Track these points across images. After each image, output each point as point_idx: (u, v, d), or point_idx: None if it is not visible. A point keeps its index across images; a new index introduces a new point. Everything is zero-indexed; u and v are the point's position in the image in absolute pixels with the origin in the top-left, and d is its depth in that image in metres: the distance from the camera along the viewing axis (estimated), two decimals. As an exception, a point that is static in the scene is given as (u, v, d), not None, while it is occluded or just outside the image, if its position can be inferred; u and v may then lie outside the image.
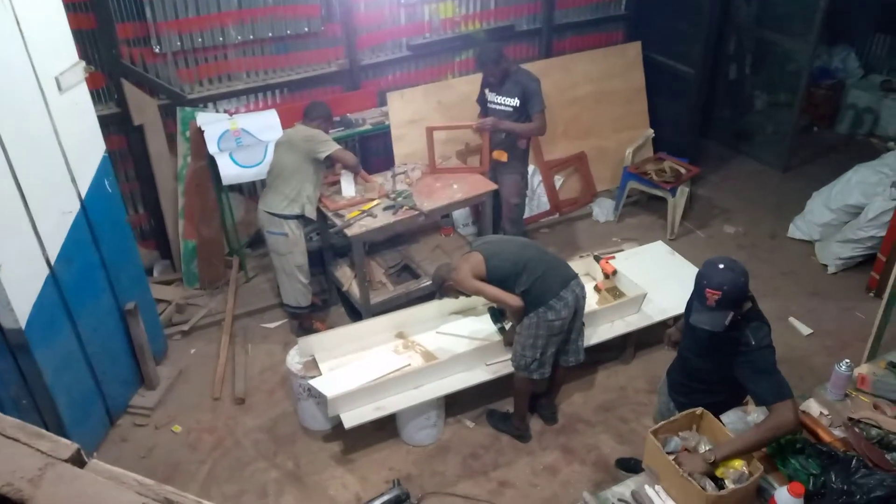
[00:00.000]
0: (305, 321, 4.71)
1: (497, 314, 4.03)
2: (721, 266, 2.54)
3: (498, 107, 4.67)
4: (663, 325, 4.14)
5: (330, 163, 4.35)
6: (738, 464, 2.44)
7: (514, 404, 3.96)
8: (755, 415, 2.78)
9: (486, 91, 4.76)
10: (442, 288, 3.69)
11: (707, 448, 2.52)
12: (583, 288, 3.70)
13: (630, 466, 3.60)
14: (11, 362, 3.34)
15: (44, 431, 0.90)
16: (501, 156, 4.75)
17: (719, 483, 2.46)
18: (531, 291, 3.52)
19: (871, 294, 4.97)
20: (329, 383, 3.74)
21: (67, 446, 0.88)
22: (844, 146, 6.93)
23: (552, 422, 4.09)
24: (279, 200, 4.26)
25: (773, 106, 6.76)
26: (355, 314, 4.77)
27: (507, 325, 3.95)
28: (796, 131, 6.56)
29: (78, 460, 0.87)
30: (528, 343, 3.64)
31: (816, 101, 7.11)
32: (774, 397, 2.51)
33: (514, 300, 3.54)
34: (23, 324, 3.23)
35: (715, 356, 2.72)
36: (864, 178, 5.19)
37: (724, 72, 6.83)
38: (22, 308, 3.22)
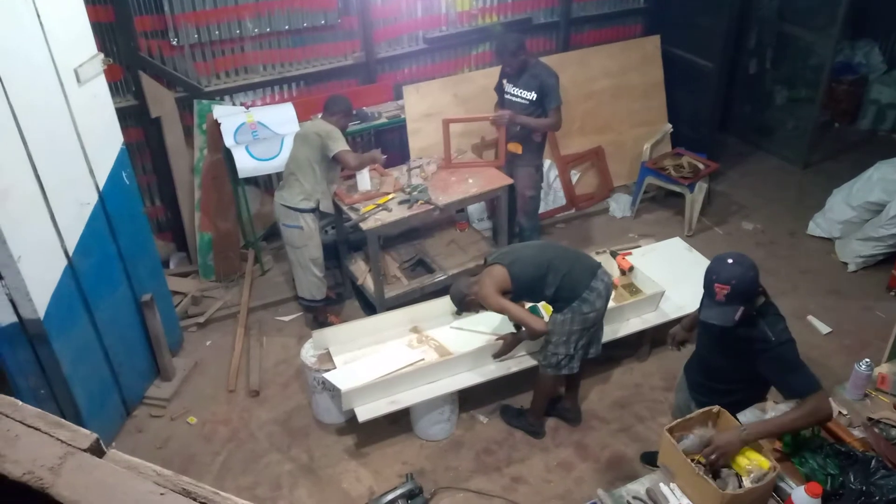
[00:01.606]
0: (320, 314, 4.73)
1: None
2: (730, 261, 2.53)
3: (515, 99, 4.65)
4: (679, 322, 4.10)
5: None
6: (766, 464, 2.42)
7: (534, 401, 3.93)
8: (773, 413, 2.76)
9: (504, 82, 4.74)
10: (463, 303, 3.62)
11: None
12: (609, 276, 3.67)
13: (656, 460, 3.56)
14: (30, 353, 3.38)
15: (63, 421, 0.91)
16: (516, 148, 4.74)
17: (740, 479, 2.44)
18: (562, 288, 3.47)
19: (892, 293, 4.91)
20: (343, 377, 3.75)
21: (87, 436, 0.88)
22: (866, 142, 6.83)
23: (577, 423, 4.04)
24: (295, 194, 4.27)
25: (793, 101, 6.68)
26: (370, 308, 4.78)
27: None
28: (817, 127, 6.47)
29: (97, 450, 0.87)
30: (561, 340, 3.58)
31: (838, 96, 7.00)
32: (806, 390, 2.50)
33: (538, 324, 3.49)
34: (41, 314, 3.26)
35: (732, 355, 2.69)
36: (886, 175, 5.11)
37: (744, 66, 6.75)
38: (40, 299, 3.25)
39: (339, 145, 4.21)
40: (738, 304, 2.49)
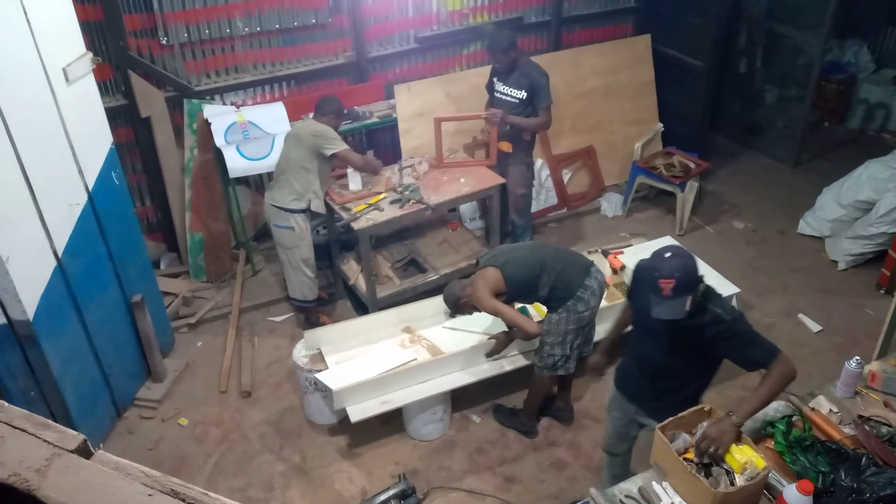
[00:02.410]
0: (312, 315, 4.71)
1: None
2: (667, 255, 2.54)
3: (504, 97, 4.65)
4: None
5: (336, 162, 4.34)
6: (761, 462, 2.42)
7: (528, 401, 3.93)
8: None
9: (495, 80, 4.74)
10: (457, 306, 3.63)
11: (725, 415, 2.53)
12: (602, 274, 3.67)
13: None
14: (19, 354, 3.35)
15: (50, 422, 0.90)
16: (507, 147, 4.74)
17: (731, 476, 2.44)
18: (557, 288, 3.47)
19: (882, 291, 4.93)
20: (335, 377, 3.74)
21: (74, 437, 0.87)
22: (855, 141, 6.87)
23: (569, 422, 4.05)
24: (285, 194, 4.25)
25: (783, 100, 6.71)
26: (362, 308, 4.76)
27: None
28: (807, 126, 6.50)
29: (84, 451, 0.86)
30: (556, 342, 3.58)
31: (827, 95, 7.05)
32: (769, 357, 2.54)
33: (532, 327, 3.49)
34: (30, 315, 3.24)
35: (684, 347, 2.66)
36: (875, 173, 5.14)
37: (735, 65, 6.78)
38: (30, 300, 3.23)
39: (340, 145, 4.22)
40: (686, 295, 2.49)
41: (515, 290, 3.51)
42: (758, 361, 2.58)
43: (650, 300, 2.56)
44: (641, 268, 2.60)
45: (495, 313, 3.54)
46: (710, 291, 2.63)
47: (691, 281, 2.50)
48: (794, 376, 2.58)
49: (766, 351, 2.56)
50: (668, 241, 4.90)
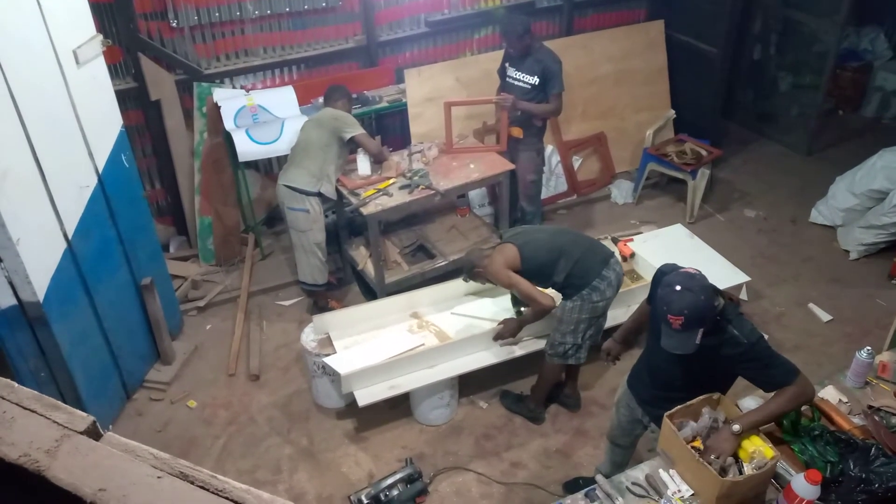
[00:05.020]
0: (321, 299, 4.72)
1: (518, 298, 3.98)
2: (678, 288, 2.40)
3: (516, 82, 4.62)
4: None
5: (353, 145, 4.36)
6: (770, 452, 2.41)
7: (536, 388, 3.93)
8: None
9: (507, 65, 4.71)
10: (472, 273, 3.63)
11: (724, 422, 2.51)
12: (621, 266, 3.65)
13: (578, 487, 3.26)
14: (30, 335, 3.38)
15: (60, 403, 0.90)
16: (517, 132, 4.72)
17: (739, 465, 2.44)
18: (573, 275, 3.45)
19: (894, 281, 4.90)
20: (343, 361, 3.75)
21: (83, 418, 0.87)
22: (870, 130, 6.78)
23: (576, 409, 4.05)
24: (302, 175, 4.26)
25: (797, 88, 6.63)
26: (370, 293, 4.77)
27: (526, 310, 3.90)
28: (821, 114, 6.42)
29: (94, 432, 0.87)
30: (568, 329, 3.57)
31: (843, 83, 6.95)
32: (788, 379, 2.48)
33: (546, 300, 3.47)
34: (41, 297, 3.25)
35: (700, 365, 2.59)
36: (890, 162, 5.08)
37: (749, 52, 6.70)
38: (40, 282, 3.24)
39: (358, 129, 4.30)
40: (696, 328, 2.41)
41: (530, 272, 3.49)
42: (776, 383, 2.51)
43: (662, 328, 2.49)
44: (658, 293, 2.48)
45: (510, 286, 3.53)
46: (729, 309, 2.53)
47: (702, 317, 2.40)
48: (811, 399, 2.55)
49: (786, 373, 2.48)
50: (678, 229, 4.89)
